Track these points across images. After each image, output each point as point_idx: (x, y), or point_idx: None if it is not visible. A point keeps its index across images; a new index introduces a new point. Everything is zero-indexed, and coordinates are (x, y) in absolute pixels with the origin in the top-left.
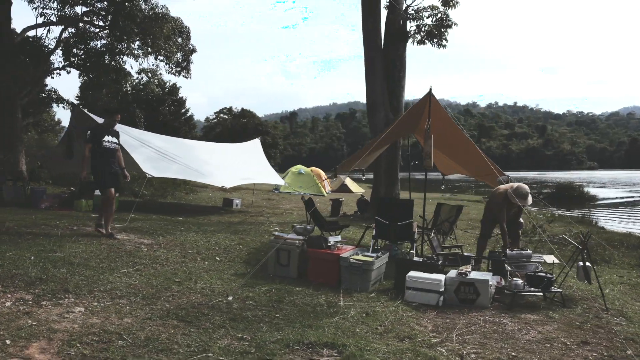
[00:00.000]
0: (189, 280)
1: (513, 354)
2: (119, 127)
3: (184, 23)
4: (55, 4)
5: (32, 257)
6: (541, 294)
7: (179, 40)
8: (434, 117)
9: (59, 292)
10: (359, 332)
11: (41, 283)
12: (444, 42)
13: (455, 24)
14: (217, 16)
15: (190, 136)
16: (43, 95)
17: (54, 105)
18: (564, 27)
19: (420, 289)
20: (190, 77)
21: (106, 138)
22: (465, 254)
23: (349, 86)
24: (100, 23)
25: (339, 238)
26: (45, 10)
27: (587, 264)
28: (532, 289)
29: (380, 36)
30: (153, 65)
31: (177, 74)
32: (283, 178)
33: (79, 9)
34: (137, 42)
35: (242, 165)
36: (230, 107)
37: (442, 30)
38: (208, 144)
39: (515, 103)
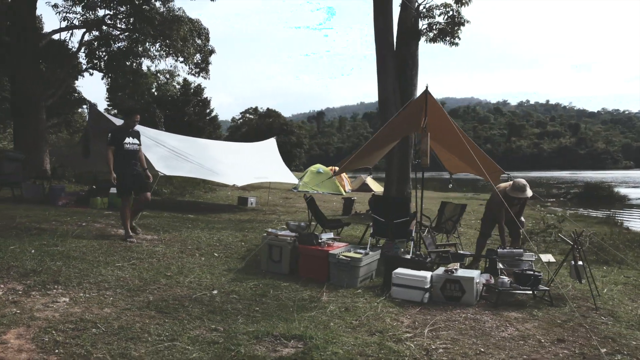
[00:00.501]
0: (179, 274)
1: (482, 349)
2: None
3: (203, 24)
4: (79, 8)
5: (33, 251)
6: (530, 292)
7: (198, 41)
8: (435, 116)
9: (49, 284)
10: (332, 326)
11: (34, 275)
12: (457, 40)
13: (467, 22)
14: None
15: (214, 136)
16: (69, 97)
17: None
18: (598, 21)
19: (405, 286)
20: (209, 78)
21: (127, 140)
22: (461, 252)
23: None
24: (122, 26)
25: (331, 235)
26: (68, 15)
27: (580, 262)
28: (519, 287)
29: (391, 34)
30: (171, 66)
31: (196, 75)
32: (302, 177)
33: (101, 12)
34: (157, 44)
35: (255, 164)
36: (256, 107)
37: (455, 27)
38: (223, 143)
39: (548, 101)
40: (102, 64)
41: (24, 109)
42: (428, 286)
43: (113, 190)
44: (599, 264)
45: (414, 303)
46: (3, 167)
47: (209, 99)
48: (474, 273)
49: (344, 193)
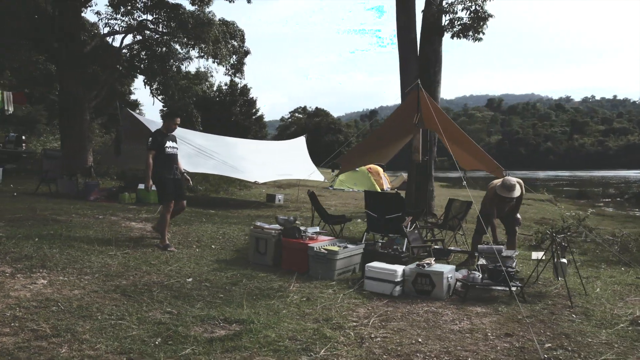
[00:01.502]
0: (164, 263)
1: (420, 340)
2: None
3: (238, 26)
4: (122, 15)
5: (37, 239)
6: (502, 287)
7: (234, 43)
8: (430, 112)
9: (35, 268)
10: (283, 313)
11: (26, 260)
12: (480, 36)
13: (491, 16)
14: (303, 16)
15: (260, 135)
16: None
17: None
18: None
19: (377, 279)
20: (244, 78)
21: (168, 144)
22: (451, 248)
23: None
24: (161, 29)
25: (317, 229)
26: (111, 21)
27: (563, 260)
28: (490, 282)
29: (413, 32)
30: (204, 67)
31: (232, 76)
32: (337, 176)
33: (140, 17)
34: (197, 46)
35: (282, 162)
36: (305, 107)
37: (480, 22)
38: (252, 142)
39: (615, 96)
40: (143, 66)
41: (69, 110)
42: (399, 280)
43: (141, 186)
44: (618, 265)
45: (384, 296)
46: (42, 164)
47: (254, 98)
48: (446, 268)
49: (379, 190)
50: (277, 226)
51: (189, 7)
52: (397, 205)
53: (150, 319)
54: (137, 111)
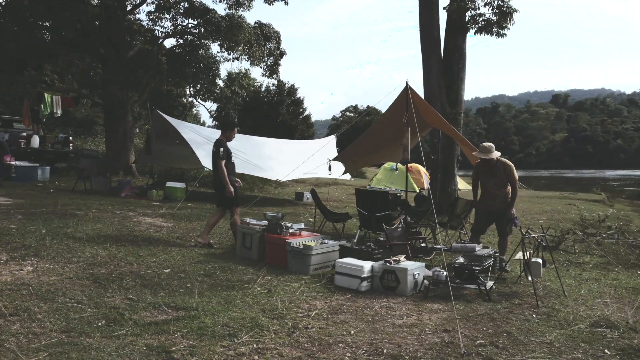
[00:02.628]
0: (151, 255)
1: (352, 332)
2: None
3: (274, 28)
4: (164, 21)
5: (44, 231)
6: (475, 286)
7: (271, 45)
8: (428, 111)
9: (28, 256)
10: (237, 303)
11: (24, 249)
12: (505, 32)
13: (515, 11)
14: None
15: (307, 134)
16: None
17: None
18: None
19: (345, 274)
20: (279, 79)
21: (233, 153)
22: (439, 246)
23: (493, 79)
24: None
25: (302, 225)
26: (154, 26)
27: (538, 260)
28: (455, 280)
29: (436, 29)
30: (238, 69)
31: (268, 76)
32: (375, 175)
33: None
34: (232, 49)
35: (308, 161)
36: (356, 105)
37: (504, 18)
38: (281, 141)
39: None
40: (188, 70)
41: (113, 112)
42: (365, 275)
43: (170, 183)
44: (636, 269)
45: (350, 291)
46: (79, 163)
47: (301, 98)
48: (413, 265)
49: (417, 190)
50: (264, 222)
51: (226, 11)
52: (384, 203)
53: (107, 304)
54: (195, 111)
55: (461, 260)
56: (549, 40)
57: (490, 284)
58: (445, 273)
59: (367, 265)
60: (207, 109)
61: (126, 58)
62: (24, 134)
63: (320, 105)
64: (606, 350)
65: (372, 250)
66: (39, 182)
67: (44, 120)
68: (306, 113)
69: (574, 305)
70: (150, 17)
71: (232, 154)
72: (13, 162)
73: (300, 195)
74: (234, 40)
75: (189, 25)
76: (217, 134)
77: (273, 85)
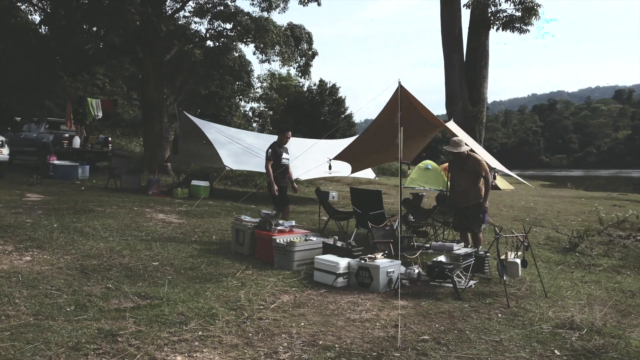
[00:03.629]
0: (148, 249)
1: (302, 324)
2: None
3: (305, 29)
4: (200, 25)
5: (55, 225)
6: (450, 284)
7: (303, 46)
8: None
9: (32, 248)
10: (206, 294)
11: (30, 241)
12: (528, 28)
13: (539, 6)
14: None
15: (348, 134)
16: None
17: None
18: None
19: (322, 270)
20: (311, 79)
21: (284, 155)
22: (427, 245)
23: (551, 75)
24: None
25: (293, 223)
26: (190, 31)
27: (515, 260)
28: (426, 278)
29: (457, 27)
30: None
31: (300, 77)
32: (409, 174)
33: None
34: (262, 50)
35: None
36: None
37: (528, 14)
38: (309, 140)
39: None
40: (221, 72)
41: (150, 113)
42: (341, 272)
43: (194, 182)
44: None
45: (326, 286)
46: (112, 162)
47: (343, 97)
48: (387, 262)
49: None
50: (251, 219)
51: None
52: (377, 202)
53: (84, 291)
54: (242, 112)
55: (442, 258)
56: (611, 33)
57: (471, 282)
58: (417, 271)
59: (343, 262)
60: (247, 111)
61: (163, 61)
62: (67, 135)
63: (368, 105)
64: (556, 351)
65: (351, 248)
66: (79, 180)
67: (88, 122)
68: (347, 112)
69: (546, 307)
70: (187, 21)
71: (287, 158)
72: (54, 162)
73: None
74: (262, 42)
75: (224, 28)
76: (244, 134)
77: (314, 85)
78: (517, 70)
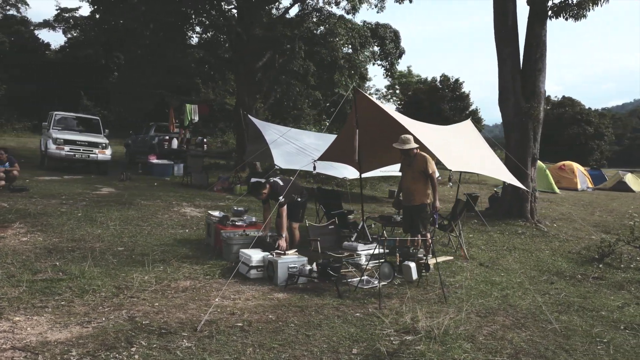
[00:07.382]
0: (132, 236)
1: (158, 303)
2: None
3: (392, 28)
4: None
5: (80, 214)
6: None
7: (389, 45)
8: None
9: (38, 230)
10: (121, 275)
11: (41, 226)
12: (585, 13)
13: None
14: None
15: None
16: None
17: None
18: None
19: (242, 262)
20: (392, 76)
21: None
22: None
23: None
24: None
25: (253, 219)
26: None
27: (411, 264)
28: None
29: (511, 16)
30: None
31: (385, 75)
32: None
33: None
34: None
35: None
36: (548, 96)
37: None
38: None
39: None
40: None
41: (238, 116)
42: (254, 264)
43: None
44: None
45: (240, 276)
46: (187, 161)
47: (467, 93)
48: (289, 259)
49: (557, 191)
50: (218, 214)
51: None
52: (337, 202)
53: (35, 267)
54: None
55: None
56: None
57: (377, 283)
58: (309, 267)
59: (256, 255)
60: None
61: (254, 68)
62: (167, 137)
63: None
64: (354, 350)
65: (273, 242)
66: (174, 176)
67: (186, 125)
68: (472, 108)
69: (416, 311)
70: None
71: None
72: (153, 161)
73: (392, 192)
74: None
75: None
76: (304, 134)
77: (435, 81)
78: None
